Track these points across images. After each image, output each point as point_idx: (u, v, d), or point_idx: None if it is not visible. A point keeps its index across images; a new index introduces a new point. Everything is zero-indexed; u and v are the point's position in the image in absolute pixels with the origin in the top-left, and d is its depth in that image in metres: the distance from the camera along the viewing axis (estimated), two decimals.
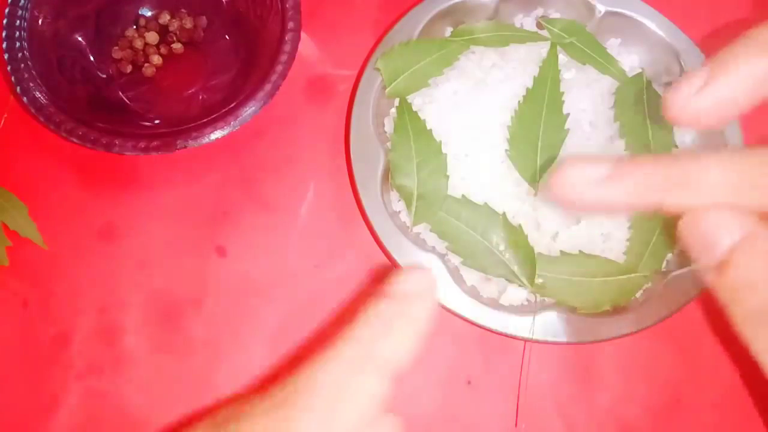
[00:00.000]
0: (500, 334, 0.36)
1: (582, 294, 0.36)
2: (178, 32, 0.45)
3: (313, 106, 0.45)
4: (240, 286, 0.41)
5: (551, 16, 0.43)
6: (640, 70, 0.41)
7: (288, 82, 0.39)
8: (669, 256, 0.38)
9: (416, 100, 0.41)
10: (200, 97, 0.44)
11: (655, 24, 0.42)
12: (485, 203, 0.37)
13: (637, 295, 0.37)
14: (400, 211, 0.39)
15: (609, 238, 0.38)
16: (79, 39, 0.43)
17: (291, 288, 0.41)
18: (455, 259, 0.38)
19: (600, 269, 0.37)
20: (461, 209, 0.37)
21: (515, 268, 0.36)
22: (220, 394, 0.39)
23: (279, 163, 0.44)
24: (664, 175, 0.21)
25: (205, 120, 0.39)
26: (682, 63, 0.42)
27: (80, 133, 0.38)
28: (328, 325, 0.40)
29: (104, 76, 0.44)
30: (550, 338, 0.36)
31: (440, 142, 0.38)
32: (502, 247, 0.37)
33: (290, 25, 0.40)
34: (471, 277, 0.38)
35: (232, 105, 0.39)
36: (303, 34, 0.41)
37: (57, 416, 0.38)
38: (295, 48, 0.40)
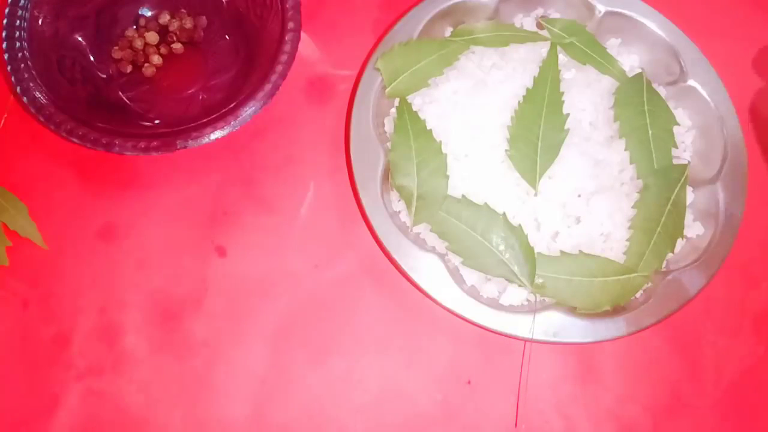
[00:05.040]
0: (500, 334, 0.36)
1: (582, 294, 0.36)
2: (178, 32, 0.45)
3: (313, 106, 0.45)
4: (240, 286, 0.41)
5: (551, 16, 0.43)
6: (640, 70, 0.41)
7: (288, 82, 0.39)
8: (669, 256, 0.38)
9: (416, 100, 0.41)
10: (200, 97, 0.44)
11: (655, 24, 0.42)
12: (485, 203, 0.37)
13: (637, 295, 0.37)
14: (400, 211, 0.39)
15: (609, 238, 0.38)
16: (79, 39, 0.43)
17: (291, 288, 0.41)
18: (455, 259, 0.38)
19: (600, 269, 0.37)
20: (461, 209, 0.37)
21: (515, 268, 0.36)
22: (220, 394, 0.39)
23: (279, 163, 0.44)
24: None
25: (205, 120, 0.39)
26: (682, 63, 0.42)
27: (80, 133, 0.38)
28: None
29: (104, 76, 0.44)
30: (550, 338, 0.36)
31: (440, 142, 0.38)
32: (502, 247, 0.36)
33: (290, 25, 0.40)
34: (471, 277, 0.38)
35: (232, 105, 0.39)
36: (303, 34, 0.41)
37: (57, 416, 0.38)
38: (295, 48, 0.40)
